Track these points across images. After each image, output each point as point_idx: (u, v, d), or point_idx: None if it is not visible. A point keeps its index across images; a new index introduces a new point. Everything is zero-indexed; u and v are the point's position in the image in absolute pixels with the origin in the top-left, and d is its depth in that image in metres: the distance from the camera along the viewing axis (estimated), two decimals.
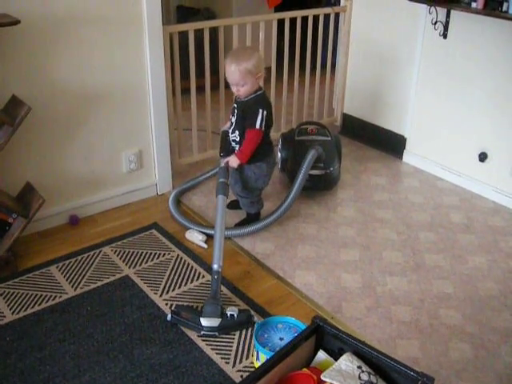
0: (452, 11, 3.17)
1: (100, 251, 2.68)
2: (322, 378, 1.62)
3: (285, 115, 3.85)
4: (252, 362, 2.05)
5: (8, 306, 2.31)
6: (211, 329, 2.15)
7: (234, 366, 2.04)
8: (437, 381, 1.73)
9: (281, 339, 2.05)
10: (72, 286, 2.44)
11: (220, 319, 2.16)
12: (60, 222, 2.89)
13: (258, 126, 2.57)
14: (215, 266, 2.30)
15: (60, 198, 2.85)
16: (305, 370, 1.70)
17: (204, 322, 2.15)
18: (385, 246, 2.80)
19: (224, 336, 2.17)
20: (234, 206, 3.00)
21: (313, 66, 3.87)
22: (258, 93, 2.61)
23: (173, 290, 2.43)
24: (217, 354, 2.09)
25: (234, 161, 2.66)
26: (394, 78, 3.69)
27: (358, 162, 3.73)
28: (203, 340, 2.15)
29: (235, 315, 2.18)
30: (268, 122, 2.65)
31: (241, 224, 2.88)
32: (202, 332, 2.16)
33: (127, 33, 2.78)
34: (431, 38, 3.35)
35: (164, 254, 2.68)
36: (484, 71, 3.14)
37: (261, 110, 2.57)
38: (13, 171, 2.65)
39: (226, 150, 2.74)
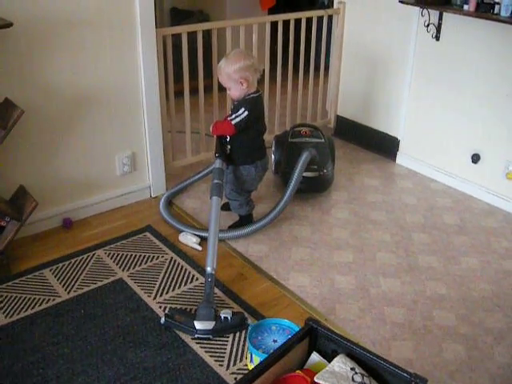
0: (444, 14, 3.18)
1: (93, 254, 2.68)
2: (316, 379, 1.62)
3: (278, 117, 3.86)
4: (246, 365, 2.05)
5: (1, 309, 2.30)
6: (205, 332, 2.15)
7: (227, 368, 2.04)
8: (430, 382, 1.74)
9: (274, 341, 2.05)
10: (65, 290, 2.43)
11: (214, 322, 2.16)
12: (53, 225, 2.88)
13: (230, 118, 2.62)
14: (208, 269, 2.29)
15: (53, 201, 2.84)
16: (298, 371, 1.70)
17: (198, 325, 2.15)
18: (378, 248, 2.80)
19: (218, 338, 2.17)
20: (227, 207, 3.00)
21: (306, 68, 3.88)
22: (252, 96, 2.62)
23: (166, 292, 2.43)
24: (210, 356, 2.09)
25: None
26: (387, 80, 3.70)
27: (352, 163, 3.74)
28: (197, 343, 2.15)
29: (229, 318, 2.18)
30: (254, 126, 2.67)
31: (233, 226, 2.88)
32: (196, 335, 2.16)
33: (120, 35, 2.78)
34: (424, 40, 3.37)
35: (158, 257, 2.67)
36: (476, 73, 3.15)
37: (242, 110, 2.60)
38: (6, 174, 2.64)
39: (222, 150, 2.75)
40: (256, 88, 2.65)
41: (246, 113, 2.60)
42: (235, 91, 2.61)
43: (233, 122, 2.61)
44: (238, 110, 2.61)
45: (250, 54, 2.70)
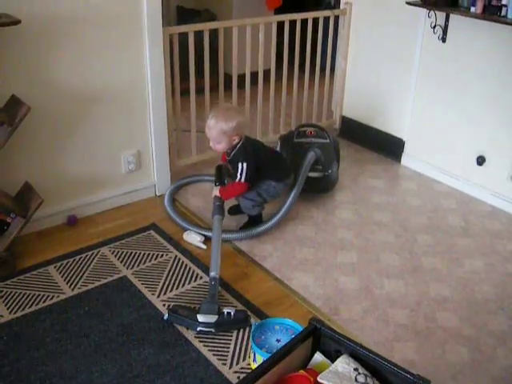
0: (451, 15, 3.17)
1: (98, 251, 2.68)
2: (319, 379, 1.62)
3: (284, 117, 3.86)
4: (249, 364, 2.06)
5: (6, 305, 2.31)
6: (208, 325, 2.16)
7: (230, 367, 2.04)
8: (433, 383, 1.74)
9: (278, 341, 2.05)
10: (70, 286, 2.44)
11: (217, 316, 2.17)
12: (58, 222, 2.89)
13: (238, 179, 2.68)
14: (213, 274, 2.32)
15: (58, 198, 2.85)
16: (301, 371, 1.70)
17: (201, 317, 2.16)
18: (382, 249, 2.80)
19: (221, 337, 2.17)
20: (234, 211, 3.00)
21: (312, 69, 3.87)
22: (238, 146, 2.67)
23: (170, 290, 2.44)
24: (214, 354, 2.09)
25: (215, 192, 2.77)
26: (392, 81, 3.69)
27: (357, 164, 3.74)
28: (200, 341, 2.15)
29: (232, 313, 2.19)
30: (260, 162, 2.72)
31: (244, 227, 2.88)
32: (199, 328, 2.16)
33: (127, 34, 2.78)
34: (430, 41, 3.36)
35: (162, 255, 2.68)
36: (483, 75, 3.15)
37: (240, 164, 2.66)
38: (12, 171, 2.65)
39: (222, 181, 2.84)
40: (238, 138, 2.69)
41: (244, 163, 2.65)
42: (224, 146, 2.65)
43: (242, 180, 2.67)
44: (237, 167, 2.66)
45: (240, 109, 2.85)
